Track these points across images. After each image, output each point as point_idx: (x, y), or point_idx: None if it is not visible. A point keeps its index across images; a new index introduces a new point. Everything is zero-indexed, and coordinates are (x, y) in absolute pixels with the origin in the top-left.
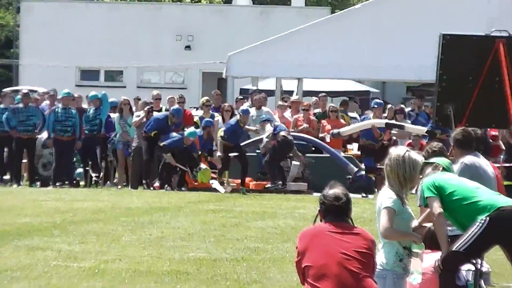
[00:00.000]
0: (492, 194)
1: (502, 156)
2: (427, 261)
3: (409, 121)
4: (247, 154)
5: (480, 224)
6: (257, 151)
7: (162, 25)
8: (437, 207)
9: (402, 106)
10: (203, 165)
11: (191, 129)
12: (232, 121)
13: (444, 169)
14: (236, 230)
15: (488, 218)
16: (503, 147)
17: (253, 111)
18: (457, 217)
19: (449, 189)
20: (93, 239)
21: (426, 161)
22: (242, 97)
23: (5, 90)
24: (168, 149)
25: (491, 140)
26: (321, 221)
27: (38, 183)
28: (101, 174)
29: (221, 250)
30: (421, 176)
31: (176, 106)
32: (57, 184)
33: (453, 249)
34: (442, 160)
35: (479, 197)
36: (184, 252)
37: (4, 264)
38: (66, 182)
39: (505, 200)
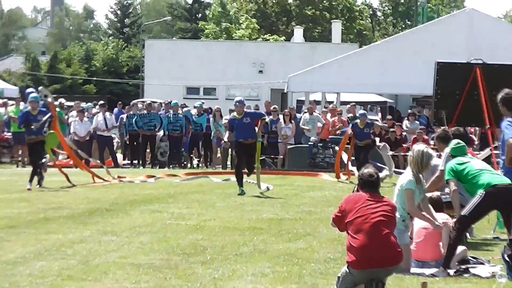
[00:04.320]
0: (491, 174)
1: (474, 146)
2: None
3: (418, 122)
4: (300, 145)
5: (479, 196)
6: (309, 142)
7: (242, 56)
8: (453, 186)
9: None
10: (49, 131)
11: (34, 94)
12: (231, 115)
13: (452, 155)
14: (295, 198)
15: (484, 192)
16: (475, 139)
17: (307, 115)
18: (468, 189)
19: (462, 172)
20: (196, 205)
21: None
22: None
23: (134, 101)
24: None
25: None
26: (358, 191)
27: (157, 166)
28: (201, 159)
29: (285, 212)
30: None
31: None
32: (171, 166)
33: (462, 213)
34: (449, 148)
35: (480, 177)
36: (259, 214)
37: (133, 223)
38: (176, 165)
39: (499, 179)
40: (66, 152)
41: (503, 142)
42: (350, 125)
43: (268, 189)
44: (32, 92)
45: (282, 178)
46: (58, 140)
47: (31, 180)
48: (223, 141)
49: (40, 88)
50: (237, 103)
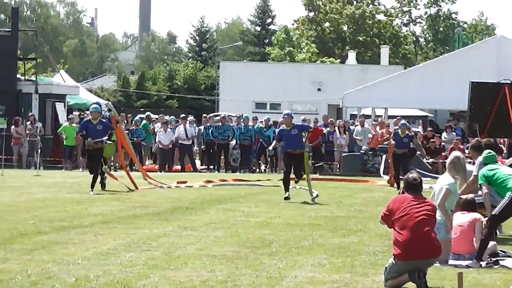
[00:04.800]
0: None
1: (503, 154)
2: (464, 217)
3: (454, 133)
4: (353, 153)
5: (507, 198)
6: (361, 151)
7: (303, 76)
8: (485, 189)
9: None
10: (107, 141)
11: (94, 105)
12: (281, 126)
13: (484, 163)
14: (348, 199)
15: (511, 194)
16: (504, 149)
17: (359, 128)
18: (498, 192)
19: (492, 177)
20: (263, 204)
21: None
22: (353, 120)
23: (210, 114)
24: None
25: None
26: (403, 193)
27: (230, 170)
28: (268, 165)
29: (339, 211)
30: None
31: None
32: (242, 170)
33: (493, 213)
34: (482, 157)
35: (508, 181)
36: (317, 212)
37: (209, 219)
38: (247, 170)
39: None
40: (132, 157)
41: None
42: (392, 134)
43: (317, 195)
44: (94, 104)
45: (338, 181)
46: (114, 150)
47: (92, 187)
48: (268, 149)
49: (106, 102)
50: (285, 116)
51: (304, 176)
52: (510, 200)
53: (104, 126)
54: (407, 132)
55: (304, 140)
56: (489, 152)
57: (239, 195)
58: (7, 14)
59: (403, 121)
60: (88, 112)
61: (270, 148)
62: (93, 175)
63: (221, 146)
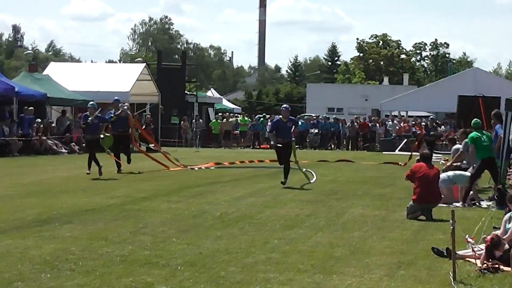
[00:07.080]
0: (488, 149)
1: None
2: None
3: (448, 126)
4: (386, 138)
5: (480, 162)
6: (391, 137)
7: (356, 92)
8: (470, 149)
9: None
10: (106, 134)
11: (92, 102)
12: (275, 118)
13: (473, 127)
14: (385, 166)
15: (481, 160)
16: None
17: (390, 123)
18: (476, 153)
19: (478, 139)
20: (332, 169)
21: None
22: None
23: (300, 115)
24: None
25: None
26: (419, 162)
27: (312, 148)
28: (335, 145)
29: (379, 173)
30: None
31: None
32: (320, 148)
33: (470, 174)
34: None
35: (484, 149)
36: (365, 174)
37: (300, 178)
38: (323, 148)
39: (488, 154)
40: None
41: (496, 136)
42: (423, 124)
43: (310, 182)
44: (92, 102)
45: (377, 155)
46: (112, 141)
47: (89, 166)
48: (276, 143)
49: (120, 104)
50: (283, 109)
51: (295, 164)
52: (480, 165)
53: (99, 120)
54: (434, 124)
55: (292, 131)
56: (476, 120)
57: (318, 164)
58: (179, 54)
59: (432, 116)
60: (226, 114)
61: (276, 143)
62: (90, 158)
63: (305, 133)
